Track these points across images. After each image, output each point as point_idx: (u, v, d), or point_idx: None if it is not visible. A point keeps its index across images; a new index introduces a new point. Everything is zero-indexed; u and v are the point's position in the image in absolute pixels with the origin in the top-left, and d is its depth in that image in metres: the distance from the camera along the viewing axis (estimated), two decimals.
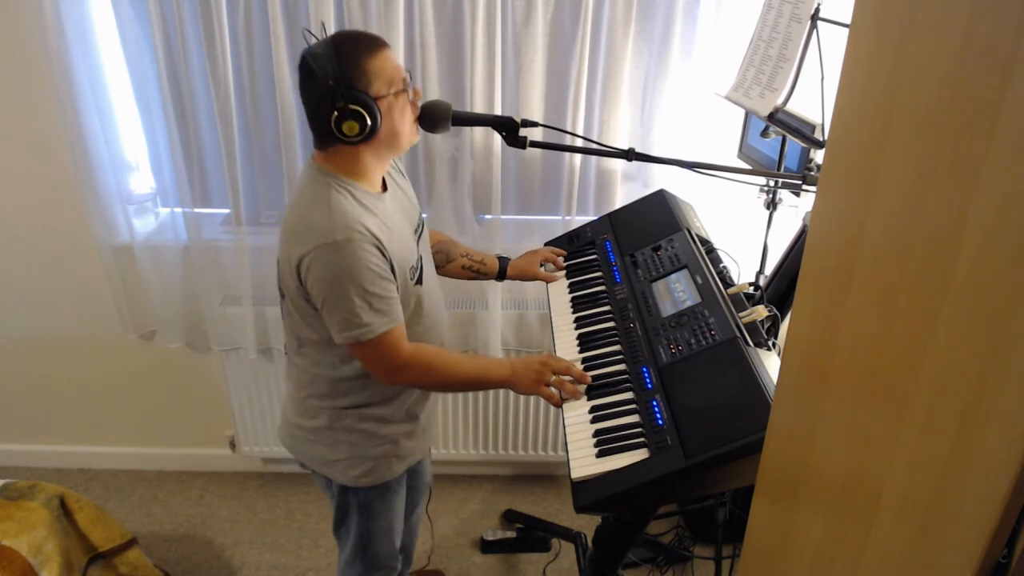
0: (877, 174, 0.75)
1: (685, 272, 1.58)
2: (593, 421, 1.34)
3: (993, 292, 0.57)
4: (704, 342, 1.37)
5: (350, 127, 1.32)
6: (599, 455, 1.27)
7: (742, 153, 1.97)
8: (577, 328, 1.61)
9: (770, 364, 1.31)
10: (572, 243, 1.91)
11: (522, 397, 2.46)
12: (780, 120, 1.54)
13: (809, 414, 0.93)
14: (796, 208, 1.97)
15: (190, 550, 2.42)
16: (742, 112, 1.91)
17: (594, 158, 2.16)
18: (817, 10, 1.48)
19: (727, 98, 1.75)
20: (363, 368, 1.46)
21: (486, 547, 2.41)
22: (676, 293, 1.54)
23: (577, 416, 1.37)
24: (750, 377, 1.25)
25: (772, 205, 1.83)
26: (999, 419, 0.57)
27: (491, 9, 1.92)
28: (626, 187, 2.21)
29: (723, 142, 2.05)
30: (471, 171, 2.15)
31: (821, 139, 1.46)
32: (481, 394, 2.47)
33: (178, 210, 2.22)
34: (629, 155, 1.54)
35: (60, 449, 2.73)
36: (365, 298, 1.33)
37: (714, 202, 2.07)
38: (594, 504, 1.23)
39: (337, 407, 1.52)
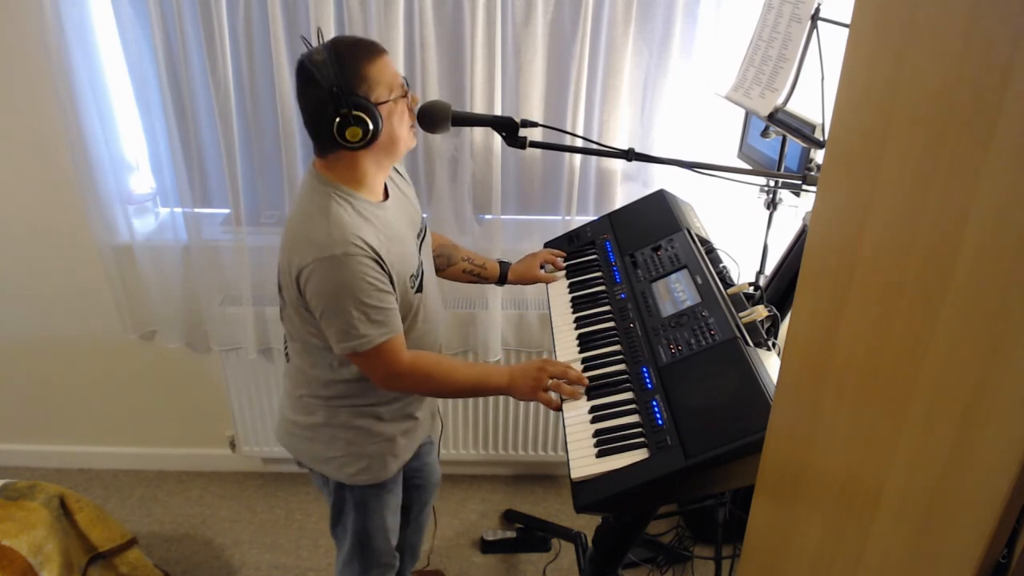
0: (877, 174, 0.75)
1: (685, 272, 1.58)
2: (593, 421, 1.34)
3: (993, 292, 0.57)
4: (704, 342, 1.37)
5: (353, 133, 1.32)
6: (599, 455, 1.27)
7: (742, 153, 1.97)
8: (577, 328, 1.61)
9: (770, 364, 1.31)
10: (572, 243, 1.91)
11: None
12: (780, 120, 1.54)
13: (809, 414, 0.93)
14: (796, 208, 1.97)
15: (190, 550, 2.42)
16: (742, 112, 1.91)
17: (594, 158, 2.16)
18: (817, 10, 1.48)
19: (727, 98, 1.75)
20: (360, 371, 1.47)
21: (486, 547, 2.41)
22: (676, 293, 1.54)
23: (577, 416, 1.37)
24: (750, 377, 1.25)
25: (772, 205, 1.83)
26: (999, 419, 0.57)
27: (491, 9, 1.92)
28: (626, 187, 2.21)
29: (723, 142, 2.05)
30: (471, 171, 2.15)
31: (821, 139, 1.46)
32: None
33: (178, 210, 2.22)
34: (629, 155, 1.54)
35: (60, 449, 2.73)
36: (363, 310, 1.33)
37: (714, 202, 2.07)
38: (594, 504, 1.23)
39: (333, 405, 1.53)
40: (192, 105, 2.07)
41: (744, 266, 1.82)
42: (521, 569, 2.36)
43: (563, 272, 1.83)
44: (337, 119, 1.30)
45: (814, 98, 1.47)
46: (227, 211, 2.25)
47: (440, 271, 1.77)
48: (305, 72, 1.32)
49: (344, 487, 1.60)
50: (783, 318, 1.58)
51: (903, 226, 0.70)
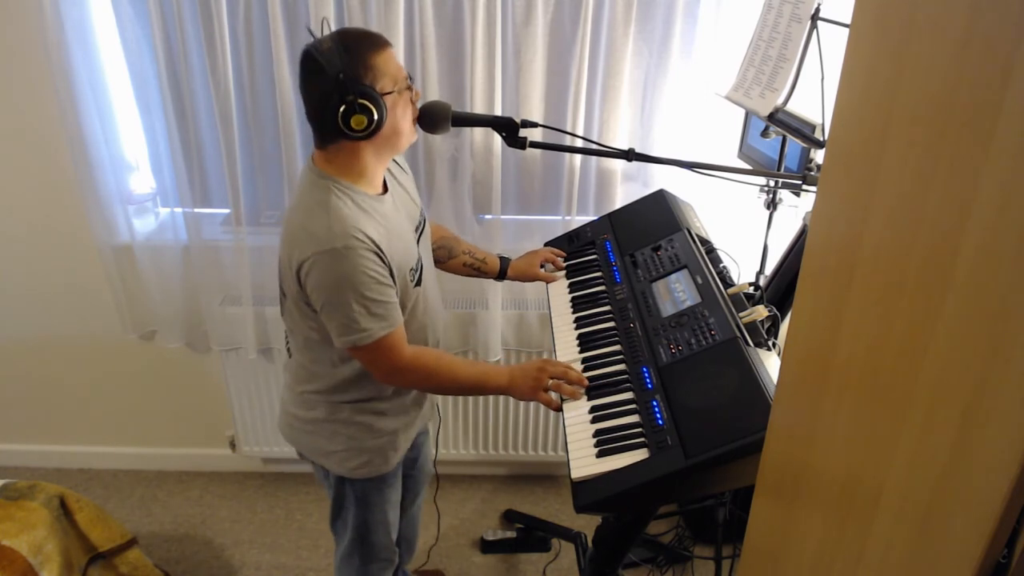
0: (877, 174, 0.75)
1: (685, 272, 1.58)
2: (593, 421, 1.34)
3: (993, 292, 0.57)
4: (704, 342, 1.37)
5: (358, 121, 1.31)
6: (599, 455, 1.27)
7: (742, 153, 1.97)
8: (577, 328, 1.61)
9: (770, 364, 1.31)
10: (572, 243, 1.91)
11: None
12: (780, 120, 1.54)
13: (809, 414, 0.93)
14: (796, 208, 1.97)
15: (190, 550, 2.42)
16: (742, 112, 1.91)
17: (594, 158, 2.16)
18: (817, 10, 1.48)
19: (727, 98, 1.75)
20: (362, 368, 1.47)
21: (486, 547, 2.41)
22: (676, 293, 1.54)
23: (577, 416, 1.37)
24: (750, 377, 1.25)
25: (772, 205, 1.83)
26: (999, 419, 0.57)
27: (491, 9, 1.92)
28: (626, 187, 2.21)
29: (723, 142, 2.05)
30: (471, 171, 2.15)
31: (821, 139, 1.46)
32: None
33: (178, 210, 2.22)
34: (629, 155, 1.54)
35: (60, 449, 2.73)
36: (364, 304, 1.33)
37: (714, 202, 2.07)
38: (594, 504, 1.23)
39: (335, 401, 1.53)
40: (192, 105, 2.07)
41: (744, 266, 1.82)
42: (521, 569, 2.36)
43: (563, 272, 1.83)
44: (343, 107, 1.30)
45: (814, 98, 1.47)
46: (227, 211, 2.25)
47: (441, 263, 1.77)
48: (311, 61, 1.32)
49: (345, 481, 1.60)
50: (783, 318, 1.58)
51: (903, 226, 0.70)
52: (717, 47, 1.99)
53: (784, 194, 1.84)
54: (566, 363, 1.48)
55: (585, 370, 1.47)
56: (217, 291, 2.33)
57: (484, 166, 2.13)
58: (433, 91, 2.03)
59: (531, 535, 2.41)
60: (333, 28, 1.40)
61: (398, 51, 1.96)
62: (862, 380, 0.79)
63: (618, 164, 2.16)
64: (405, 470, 1.84)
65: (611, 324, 1.57)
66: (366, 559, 1.71)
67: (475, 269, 1.81)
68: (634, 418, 1.32)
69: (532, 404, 2.48)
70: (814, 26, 1.48)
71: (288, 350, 1.59)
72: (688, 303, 1.49)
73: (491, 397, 2.47)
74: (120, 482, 2.71)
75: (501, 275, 1.84)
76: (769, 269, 1.91)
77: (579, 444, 1.31)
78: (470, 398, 2.48)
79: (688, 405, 1.28)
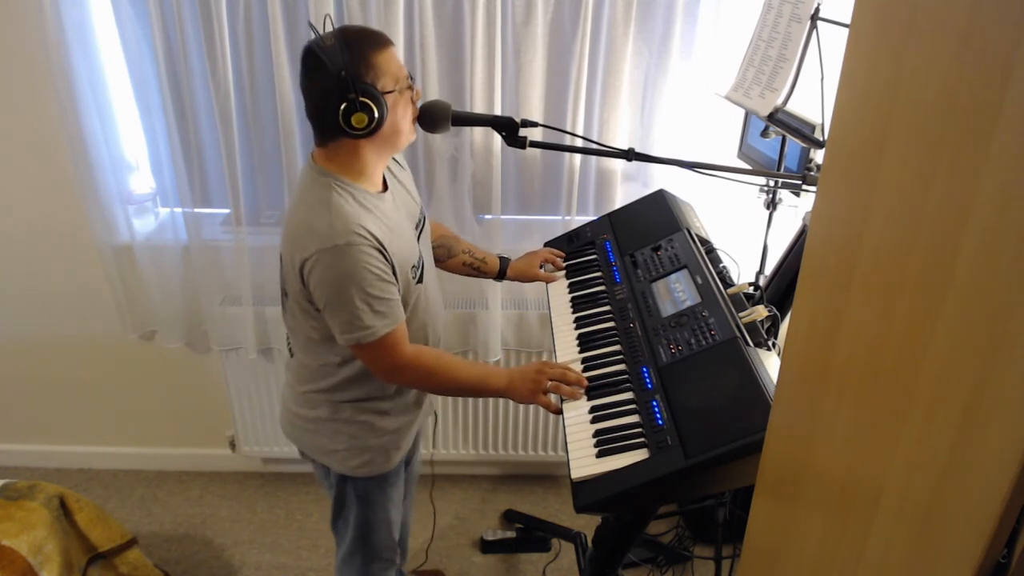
0: (877, 174, 0.74)
1: (685, 272, 1.58)
2: (593, 421, 1.34)
3: (993, 292, 0.57)
4: (704, 342, 1.37)
5: (359, 119, 1.31)
6: (599, 455, 1.27)
7: (742, 153, 1.97)
8: (577, 328, 1.61)
9: (770, 364, 1.31)
10: (572, 243, 1.91)
11: None
12: (780, 120, 1.54)
13: (809, 414, 0.93)
14: (796, 208, 1.97)
15: (190, 550, 2.42)
16: (742, 112, 1.91)
17: (594, 158, 2.16)
18: (817, 10, 1.48)
19: (727, 98, 1.75)
20: (364, 367, 1.47)
21: (486, 547, 2.41)
22: (676, 293, 1.54)
23: (577, 416, 1.37)
24: (750, 377, 1.25)
25: (772, 205, 1.83)
26: (999, 419, 0.57)
27: (491, 9, 1.92)
28: (626, 187, 2.21)
29: (723, 142, 2.05)
30: (471, 171, 2.15)
31: (821, 139, 1.46)
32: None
33: (178, 210, 2.22)
34: (629, 155, 1.54)
35: (60, 449, 2.73)
36: (367, 301, 1.33)
37: (714, 202, 2.07)
38: (594, 504, 1.23)
39: (336, 400, 1.53)
40: (192, 105, 2.07)
41: (744, 266, 1.82)
42: (521, 569, 2.36)
43: (562, 272, 1.83)
44: (343, 104, 1.30)
45: (814, 98, 1.47)
46: (227, 211, 2.25)
47: (440, 262, 1.77)
48: (313, 57, 1.32)
49: (347, 480, 1.60)
50: (783, 318, 1.58)
51: (903, 226, 0.70)
52: (717, 47, 1.99)
53: (784, 194, 1.84)
54: (564, 364, 1.48)
55: (585, 370, 1.47)
56: (217, 291, 2.33)
57: (484, 166, 2.13)
58: (433, 91, 2.03)
59: (531, 535, 2.41)
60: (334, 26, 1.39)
61: (398, 51, 1.96)
62: (862, 380, 0.79)
63: (618, 164, 2.16)
64: None
65: (611, 324, 1.57)
66: (368, 559, 1.71)
67: (474, 269, 1.81)
68: (634, 418, 1.32)
69: (532, 405, 2.48)
70: (814, 26, 1.48)
71: (290, 350, 1.59)
72: (688, 303, 1.49)
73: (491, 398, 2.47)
74: (120, 482, 2.71)
75: (500, 275, 1.83)
76: (769, 269, 1.91)
77: (579, 444, 1.31)
78: (470, 398, 2.48)
79: (688, 405, 1.28)
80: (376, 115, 1.32)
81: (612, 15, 1.96)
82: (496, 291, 2.25)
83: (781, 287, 1.83)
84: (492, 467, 2.69)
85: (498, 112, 2.04)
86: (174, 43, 1.99)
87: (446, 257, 1.78)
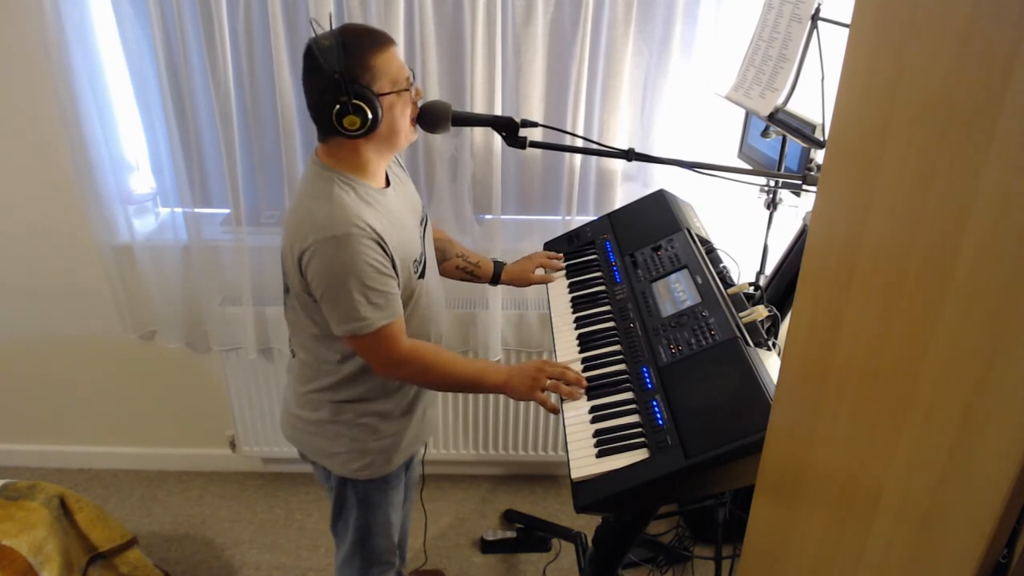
0: (877, 174, 0.75)
1: (685, 272, 1.58)
2: (593, 421, 1.34)
3: (993, 292, 0.57)
4: (704, 342, 1.37)
5: (351, 121, 1.32)
6: (599, 455, 1.27)
7: (742, 153, 1.97)
8: (577, 328, 1.60)
9: (770, 364, 1.31)
10: (572, 243, 1.91)
11: None
12: (780, 120, 1.54)
13: (809, 414, 0.93)
14: (796, 208, 1.97)
15: (190, 550, 2.42)
16: (742, 112, 1.91)
17: (594, 158, 2.16)
18: (817, 10, 1.48)
19: (727, 98, 1.75)
20: (364, 364, 1.47)
21: (486, 547, 2.41)
22: (676, 293, 1.54)
23: (577, 416, 1.37)
24: (750, 377, 1.25)
25: (772, 205, 1.83)
26: (999, 419, 0.57)
27: (491, 9, 1.92)
28: (626, 187, 2.21)
29: (723, 142, 2.05)
30: (471, 171, 2.15)
31: (821, 139, 1.46)
32: (481, 394, 2.47)
33: (178, 210, 2.22)
34: (629, 155, 1.54)
35: (60, 449, 2.73)
36: (364, 292, 1.34)
37: (714, 202, 2.07)
38: (594, 504, 1.23)
39: (338, 401, 1.53)
40: (192, 105, 2.07)
41: (744, 266, 1.82)
42: (521, 569, 2.36)
43: (560, 272, 1.83)
44: (337, 106, 1.31)
45: (814, 98, 1.47)
46: (227, 211, 2.25)
47: None
48: (311, 57, 1.33)
49: (347, 482, 1.60)
50: (783, 318, 1.58)
51: (903, 226, 0.70)
52: (717, 47, 1.99)
53: (784, 194, 1.84)
54: (564, 363, 1.48)
55: (585, 370, 1.47)
56: (217, 291, 2.33)
57: (484, 166, 2.13)
58: (433, 91, 2.03)
59: (531, 535, 2.41)
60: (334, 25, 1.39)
61: (398, 51, 1.96)
62: (862, 380, 0.79)
63: (618, 164, 2.16)
64: None
65: (611, 324, 1.57)
66: (367, 562, 1.71)
67: (468, 273, 1.81)
68: (634, 418, 1.32)
69: (532, 404, 2.48)
70: (814, 26, 1.48)
71: (292, 352, 1.59)
72: (688, 303, 1.49)
73: (491, 396, 2.47)
74: (120, 482, 2.71)
75: (495, 280, 1.83)
76: (769, 269, 1.91)
77: (579, 444, 1.31)
78: (470, 397, 2.48)
79: (688, 405, 1.28)
80: (369, 117, 1.33)
81: (612, 15, 1.96)
82: (496, 291, 2.25)
83: (781, 287, 1.83)
84: (492, 467, 2.69)
85: (498, 112, 2.04)
86: (174, 43, 1.99)
87: (440, 261, 1.77)
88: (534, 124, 1.56)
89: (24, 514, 1.73)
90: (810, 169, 1.63)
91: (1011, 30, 0.55)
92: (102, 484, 2.69)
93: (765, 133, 1.72)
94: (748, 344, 1.34)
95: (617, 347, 1.50)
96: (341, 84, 1.30)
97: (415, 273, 1.47)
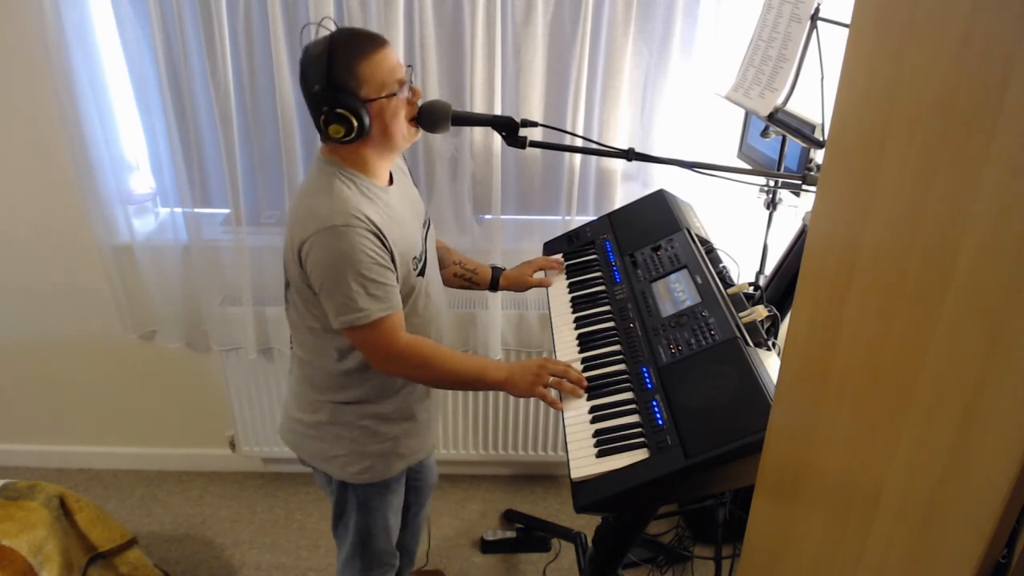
0: (877, 174, 0.74)
1: (685, 272, 1.58)
2: (593, 421, 1.34)
3: (993, 292, 0.57)
4: (704, 342, 1.37)
5: (335, 129, 1.35)
6: (599, 455, 1.27)
7: (742, 153, 1.97)
8: (577, 328, 1.60)
9: (770, 364, 1.31)
10: (572, 243, 1.91)
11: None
12: (780, 120, 1.54)
13: (809, 414, 0.93)
14: (796, 208, 1.97)
15: (190, 550, 2.42)
16: (742, 112, 1.91)
17: (594, 158, 2.16)
18: (817, 10, 1.48)
19: (727, 98, 1.75)
20: (363, 363, 1.47)
21: (486, 547, 2.41)
22: (676, 293, 1.54)
23: (577, 416, 1.37)
24: (750, 377, 1.25)
25: (772, 205, 1.83)
26: (999, 419, 0.57)
27: (491, 9, 1.92)
28: (626, 187, 2.21)
29: (723, 142, 2.05)
30: (471, 171, 2.15)
31: (821, 139, 1.46)
32: (481, 394, 2.47)
33: (178, 210, 2.22)
34: (629, 155, 1.54)
35: (60, 449, 2.73)
36: (361, 283, 1.34)
37: (714, 202, 2.07)
38: (594, 504, 1.23)
39: (337, 401, 1.53)
40: (192, 105, 2.07)
41: (744, 266, 1.82)
42: (521, 569, 2.36)
43: (560, 273, 1.83)
44: (322, 116, 1.34)
45: (814, 98, 1.47)
46: (227, 211, 2.25)
47: None
48: (302, 65, 1.37)
49: (347, 486, 1.60)
50: (783, 318, 1.58)
51: (903, 226, 0.70)
52: (717, 47, 1.99)
53: (784, 194, 1.84)
54: (566, 362, 1.48)
55: (585, 370, 1.47)
56: (217, 291, 2.33)
57: (484, 166, 2.13)
58: (433, 91, 2.03)
59: (531, 535, 2.41)
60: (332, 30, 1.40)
61: (398, 52, 1.96)
62: (862, 380, 0.79)
63: (618, 164, 2.16)
64: (411, 481, 1.84)
65: (611, 324, 1.57)
66: (368, 564, 1.71)
67: (466, 280, 1.81)
68: (634, 418, 1.32)
69: (532, 404, 2.48)
70: (814, 26, 1.48)
71: (293, 352, 1.59)
72: (688, 303, 1.49)
73: (491, 396, 2.47)
74: (120, 482, 2.71)
75: (493, 285, 1.83)
76: (769, 269, 1.91)
77: (579, 444, 1.31)
78: (470, 397, 2.48)
79: (688, 405, 1.28)
80: (354, 125, 1.34)
81: (612, 15, 1.96)
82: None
83: (781, 287, 1.83)
84: (492, 467, 2.69)
85: (498, 112, 2.04)
86: (174, 43, 1.99)
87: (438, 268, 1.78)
88: (534, 124, 1.56)
89: (24, 514, 1.73)
90: (810, 169, 1.63)
91: (1011, 30, 0.55)
92: (102, 484, 2.69)
93: (765, 133, 1.72)
94: (748, 344, 1.34)
95: (617, 347, 1.50)
96: (322, 94, 1.33)
97: (414, 270, 1.47)
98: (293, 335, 1.56)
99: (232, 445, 2.64)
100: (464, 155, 2.13)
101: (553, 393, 1.43)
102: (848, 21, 0.82)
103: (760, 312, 1.42)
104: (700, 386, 1.30)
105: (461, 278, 1.80)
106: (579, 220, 2.10)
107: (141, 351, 2.50)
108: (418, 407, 1.61)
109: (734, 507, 2.01)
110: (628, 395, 1.37)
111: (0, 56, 2.10)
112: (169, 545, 2.44)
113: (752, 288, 1.58)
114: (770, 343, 1.41)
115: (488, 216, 2.22)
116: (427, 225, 1.60)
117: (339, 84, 1.33)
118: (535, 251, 1.99)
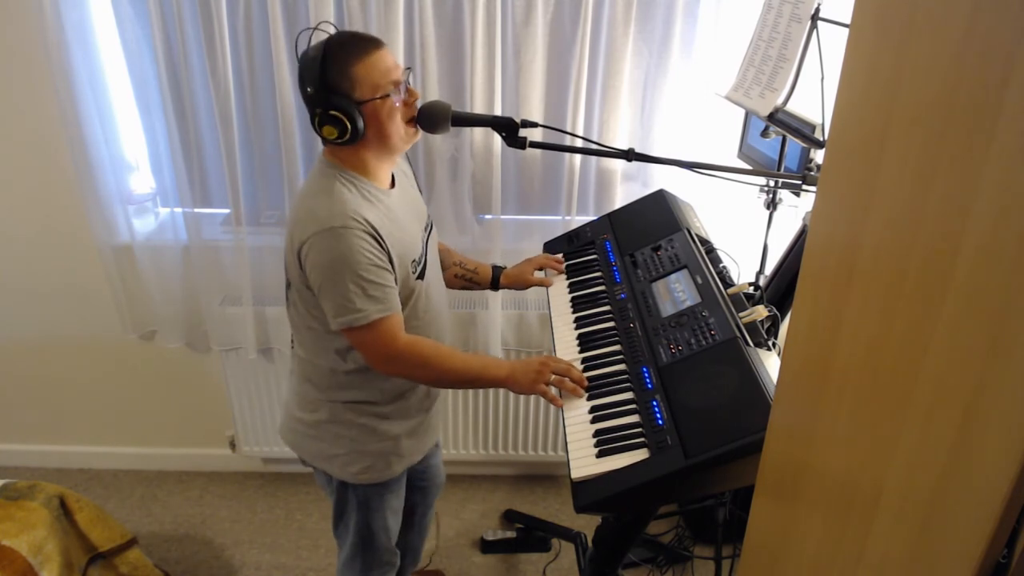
0: (877, 174, 0.74)
1: (685, 272, 1.58)
2: (593, 421, 1.34)
3: (993, 292, 0.57)
4: (704, 342, 1.37)
5: (328, 131, 1.36)
6: (599, 455, 1.27)
7: (742, 153, 1.97)
8: (577, 328, 1.60)
9: (770, 364, 1.31)
10: (572, 243, 1.91)
11: (523, 397, 2.46)
12: (780, 120, 1.54)
13: (809, 414, 0.93)
14: (796, 208, 1.97)
15: (190, 550, 2.42)
16: (742, 112, 1.91)
17: (594, 158, 2.16)
18: (817, 10, 1.48)
19: (727, 98, 1.75)
20: (363, 363, 1.47)
21: (486, 547, 2.41)
22: (676, 293, 1.54)
23: (577, 416, 1.37)
24: (750, 377, 1.25)
25: (772, 205, 1.83)
26: (999, 419, 0.57)
27: (491, 9, 1.92)
28: (626, 187, 2.21)
29: (723, 142, 2.05)
30: (471, 171, 2.15)
31: (821, 139, 1.46)
32: (482, 394, 2.47)
33: (178, 210, 2.22)
34: (629, 155, 1.54)
35: (60, 449, 2.73)
36: (359, 284, 1.35)
37: (714, 202, 2.07)
38: (594, 504, 1.23)
39: (337, 401, 1.53)
40: (192, 105, 2.07)
41: (744, 266, 1.82)
42: (521, 569, 2.36)
43: (560, 273, 1.83)
44: (315, 118, 1.36)
45: (814, 98, 1.47)
46: (227, 211, 2.25)
47: None
48: (299, 67, 1.38)
49: (347, 486, 1.60)
50: (783, 318, 1.58)
51: (903, 226, 0.70)
52: (717, 47, 1.99)
53: (784, 194, 1.84)
54: (568, 362, 1.48)
55: (585, 370, 1.47)
56: (217, 291, 2.33)
57: (484, 166, 2.13)
58: (433, 91, 2.03)
59: (531, 535, 2.41)
60: (332, 31, 1.41)
61: (398, 52, 1.96)
62: (862, 380, 0.79)
63: (618, 164, 2.16)
64: (416, 481, 1.84)
65: (611, 324, 1.57)
66: (368, 563, 1.71)
67: (467, 280, 1.81)
68: (634, 418, 1.32)
69: (533, 404, 2.48)
70: (814, 26, 1.48)
71: (293, 352, 1.59)
72: (688, 303, 1.49)
73: (492, 396, 2.47)
74: (120, 482, 2.71)
75: (494, 284, 1.83)
76: (769, 269, 1.91)
77: (579, 444, 1.31)
78: (470, 397, 2.48)
79: (688, 405, 1.28)
80: (347, 127, 1.35)
81: (612, 15, 1.96)
82: (496, 291, 2.25)
83: (781, 287, 1.83)
84: (492, 467, 2.69)
85: (498, 112, 2.04)
86: (174, 43, 1.99)
87: None
88: (534, 124, 1.56)
89: (24, 514, 1.73)
90: (810, 169, 1.63)
91: (1011, 30, 0.55)
92: (102, 484, 2.69)
93: (765, 133, 1.72)
94: (748, 344, 1.34)
95: (617, 347, 1.50)
96: (315, 97, 1.34)
97: (413, 273, 1.47)
98: (294, 335, 1.56)
99: (232, 445, 2.64)
100: (464, 155, 2.13)
101: (553, 390, 1.43)
102: (848, 21, 0.81)
103: (760, 312, 1.42)
104: (700, 386, 1.30)
105: (462, 278, 1.80)
106: (579, 220, 2.10)
107: (141, 351, 2.50)
108: (419, 407, 1.61)
109: (734, 507, 2.01)
110: (628, 395, 1.37)
111: (0, 56, 2.10)
112: (169, 545, 2.44)
113: (752, 288, 1.58)
114: (770, 343, 1.41)
115: (488, 216, 2.22)
116: (429, 228, 1.60)
117: (333, 86, 1.34)
118: (535, 251, 1.99)
